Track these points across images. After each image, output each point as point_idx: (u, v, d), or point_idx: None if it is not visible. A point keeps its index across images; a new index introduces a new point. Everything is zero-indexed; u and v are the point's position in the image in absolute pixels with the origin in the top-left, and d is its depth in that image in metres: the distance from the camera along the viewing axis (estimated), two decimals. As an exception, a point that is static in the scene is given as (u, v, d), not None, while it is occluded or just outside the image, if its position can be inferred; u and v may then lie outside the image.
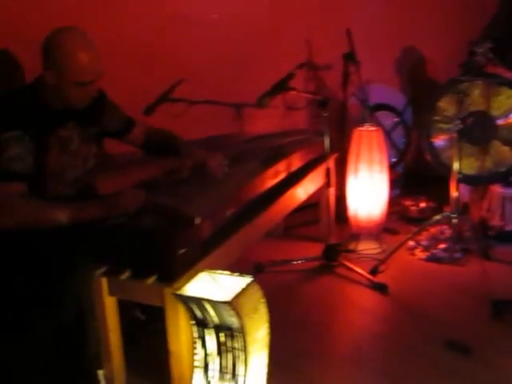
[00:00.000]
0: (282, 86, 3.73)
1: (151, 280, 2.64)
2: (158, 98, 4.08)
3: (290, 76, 3.78)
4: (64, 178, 2.99)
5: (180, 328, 2.69)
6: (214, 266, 2.82)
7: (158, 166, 3.44)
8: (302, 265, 4.35)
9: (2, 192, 2.71)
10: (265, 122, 4.81)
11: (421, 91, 5.83)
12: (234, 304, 2.42)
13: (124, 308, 2.96)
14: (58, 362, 2.82)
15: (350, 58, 4.69)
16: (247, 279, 2.60)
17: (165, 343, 2.80)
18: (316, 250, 4.47)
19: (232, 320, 2.47)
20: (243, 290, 2.51)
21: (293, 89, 3.84)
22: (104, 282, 2.81)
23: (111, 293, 2.84)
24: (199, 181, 3.19)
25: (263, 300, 2.62)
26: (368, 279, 4.05)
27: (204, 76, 4.41)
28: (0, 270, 2.80)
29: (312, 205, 4.50)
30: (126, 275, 2.70)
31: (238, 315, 2.43)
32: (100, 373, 2.92)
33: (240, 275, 2.63)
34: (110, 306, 2.88)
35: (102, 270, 2.78)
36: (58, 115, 2.93)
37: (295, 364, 3.20)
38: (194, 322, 2.60)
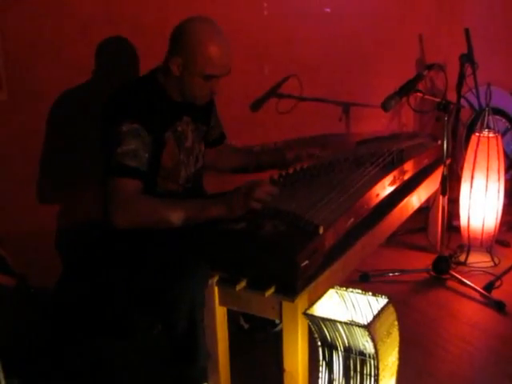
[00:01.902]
0: (410, 88, 3.48)
1: (269, 292, 2.43)
2: (266, 94, 3.91)
3: (420, 77, 3.54)
4: (177, 177, 2.87)
5: (298, 346, 2.49)
6: (331, 281, 2.65)
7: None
8: (410, 276, 4.13)
9: (117, 188, 2.56)
10: (372, 123, 4.61)
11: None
12: (371, 328, 2.21)
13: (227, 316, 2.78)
14: (165, 373, 2.66)
15: (467, 59, 4.40)
16: (382, 300, 2.39)
17: (271, 355, 2.65)
18: (423, 259, 4.30)
19: (365, 345, 2.26)
20: (379, 313, 2.29)
21: (419, 91, 3.60)
22: (216, 291, 2.61)
23: (222, 303, 2.67)
24: (318, 186, 2.98)
25: (396, 323, 2.41)
26: (484, 296, 3.80)
27: (313, 73, 4.25)
28: (112, 273, 2.66)
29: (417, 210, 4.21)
30: (242, 285, 2.49)
31: (373, 340, 2.22)
32: (206, 386, 2.73)
33: (373, 295, 2.41)
34: (221, 316, 2.70)
35: (215, 278, 2.58)
36: (176, 108, 2.81)
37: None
38: (320, 344, 2.38)
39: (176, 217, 2.57)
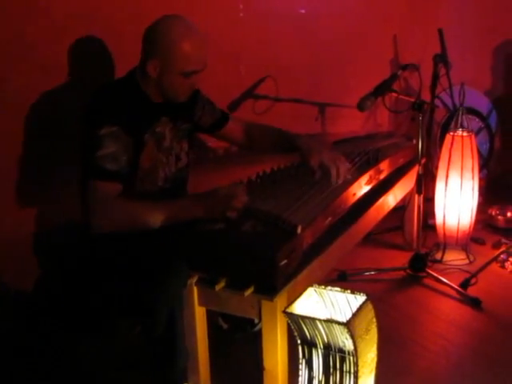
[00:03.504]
0: (385, 88, 3.52)
1: (249, 292, 2.46)
2: (242, 95, 3.92)
3: (394, 77, 3.58)
4: (155, 177, 2.86)
5: (278, 345, 2.52)
6: (310, 279, 2.67)
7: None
8: (387, 274, 4.16)
9: (97, 192, 2.57)
10: (348, 123, 4.64)
11: (508, 95, 5.58)
12: (350, 325, 2.23)
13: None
14: (145, 374, 2.67)
15: (441, 59, 4.44)
16: (360, 297, 2.41)
17: (251, 355, 2.67)
18: (399, 258, 4.34)
19: (345, 342, 2.28)
20: (358, 311, 2.31)
21: (394, 91, 3.63)
22: (195, 291, 2.63)
23: (201, 303, 2.69)
24: (296, 186, 3.00)
25: (375, 320, 2.44)
26: (460, 293, 3.85)
27: (289, 74, 4.25)
28: (92, 274, 2.66)
29: (393, 209, 4.23)
30: (221, 285, 2.50)
31: (353, 337, 2.24)
32: (186, 386, 2.74)
33: (352, 292, 2.43)
34: (200, 316, 2.72)
35: (194, 278, 2.60)
36: (155, 109, 2.81)
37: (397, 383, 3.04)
38: (299, 342, 2.40)
39: (155, 219, 2.57)
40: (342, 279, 4.07)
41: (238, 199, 2.61)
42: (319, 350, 2.40)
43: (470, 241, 4.51)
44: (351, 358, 2.32)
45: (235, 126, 3.28)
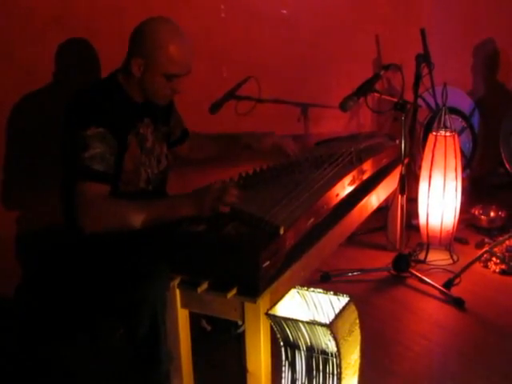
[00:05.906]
0: (368, 88, 3.51)
1: (231, 294, 2.44)
2: (224, 96, 3.90)
3: (377, 77, 3.57)
4: (138, 179, 2.85)
5: (261, 347, 2.50)
6: (293, 281, 2.66)
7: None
8: (371, 275, 4.16)
9: (86, 193, 2.55)
10: (331, 124, 4.63)
11: (490, 95, 5.59)
12: (333, 327, 2.22)
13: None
14: (128, 377, 2.65)
15: (423, 59, 4.44)
16: (343, 299, 2.40)
17: (234, 357, 2.71)
18: (383, 258, 4.34)
19: (328, 343, 2.27)
20: (341, 312, 2.30)
21: (376, 91, 3.63)
22: (177, 293, 2.61)
23: (184, 305, 2.67)
24: (279, 187, 2.99)
25: (358, 321, 2.43)
26: (444, 293, 3.85)
27: (271, 74, 4.24)
28: (74, 276, 2.64)
29: (376, 210, 4.22)
30: (203, 287, 2.48)
31: (335, 339, 2.23)
32: (169, 390, 2.72)
33: (335, 294, 2.42)
34: (183, 319, 2.70)
35: (177, 280, 2.58)
36: (138, 110, 2.81)
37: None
38: (282, 344, 2.39)
39: (146, 217, 2.57)
40: (325, 280, 4.07)
41: (230, 194, 2.60)
42: (302, 352, 2.39)
43: (454, 241, 4.52)
44: (334, 359, 2.31)
45: (188, 143, 3.35)
